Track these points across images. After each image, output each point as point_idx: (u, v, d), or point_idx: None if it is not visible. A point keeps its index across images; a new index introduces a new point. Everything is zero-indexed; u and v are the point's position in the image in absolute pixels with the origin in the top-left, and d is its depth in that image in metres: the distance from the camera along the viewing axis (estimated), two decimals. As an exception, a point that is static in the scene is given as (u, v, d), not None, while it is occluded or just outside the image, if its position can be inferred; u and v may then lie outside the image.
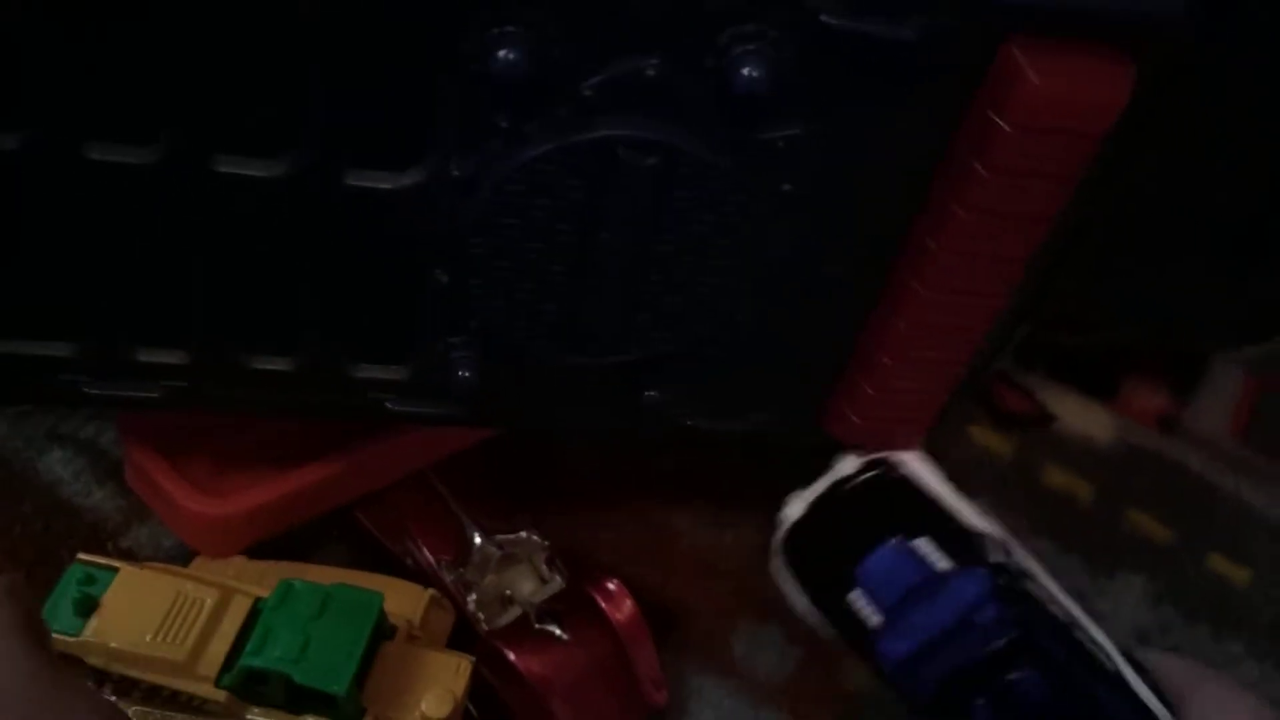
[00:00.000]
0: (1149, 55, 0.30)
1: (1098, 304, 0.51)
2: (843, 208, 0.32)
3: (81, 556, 0.35)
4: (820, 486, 0.39)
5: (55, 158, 0.28)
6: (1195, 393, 0.56)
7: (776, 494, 0.49)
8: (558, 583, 0.42)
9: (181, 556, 0.40)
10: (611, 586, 0.41)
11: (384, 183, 0.30)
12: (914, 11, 0.28)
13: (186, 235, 0.31)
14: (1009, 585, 0.36)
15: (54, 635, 0.32)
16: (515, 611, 0.41)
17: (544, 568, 0.43)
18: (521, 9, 0.27)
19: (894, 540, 0.37)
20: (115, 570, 0.35)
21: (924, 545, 0.37)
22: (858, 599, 0.37)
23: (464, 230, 0.30)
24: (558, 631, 0.40)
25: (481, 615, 0.41)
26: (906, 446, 0.39)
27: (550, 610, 0.41)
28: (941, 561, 0.36)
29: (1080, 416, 0.55)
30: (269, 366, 0.34)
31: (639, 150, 0.29)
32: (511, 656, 0.39)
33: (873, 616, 0.36)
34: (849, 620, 0.37)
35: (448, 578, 0.41)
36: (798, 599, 0.39)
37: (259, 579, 0.37)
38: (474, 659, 0.37)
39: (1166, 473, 0.53)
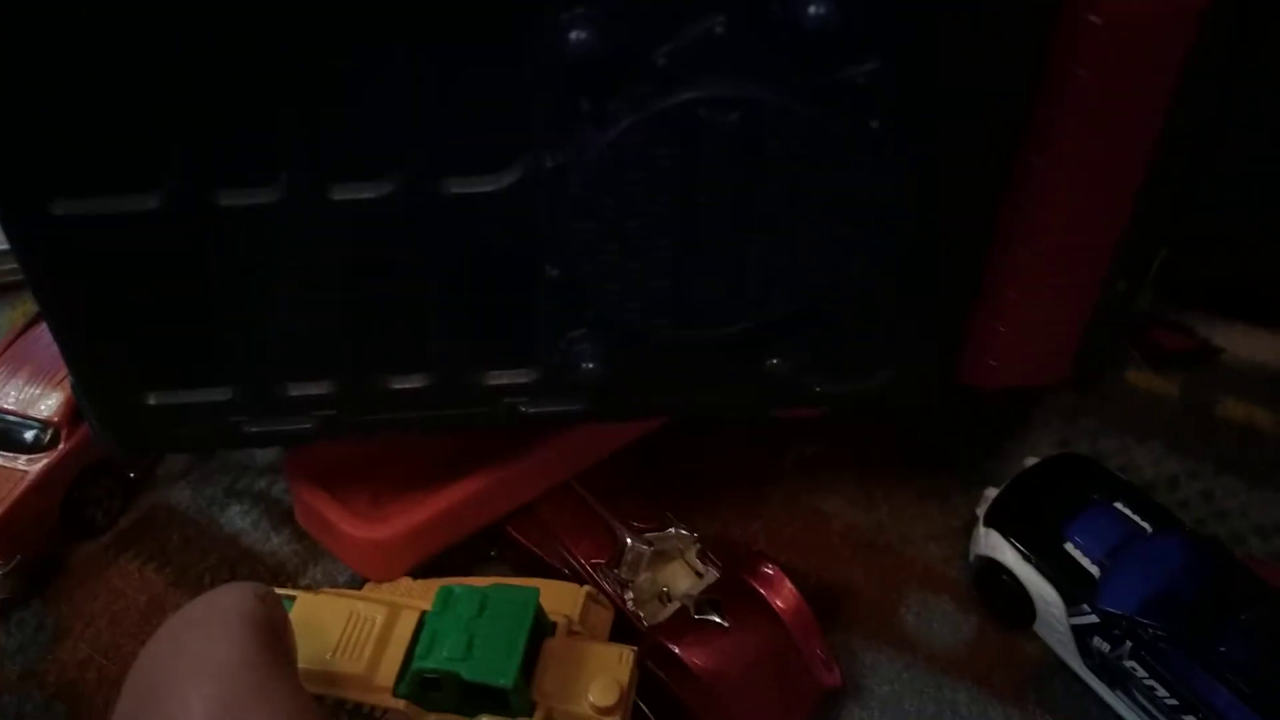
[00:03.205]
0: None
1: (1247, 219, 0.48)
2: (938, 139, 0.31)
3: (261, 590, 0.38)
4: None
5: (190, 211, 0.31)
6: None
7: (924, 468, 0.48)
8: (713, 574, 0.42)
9: (355, 589, 0.42)
10: (769, 571, 0.41)
11: (485, 186, 0.31)
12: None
13: (313, 268, 0.33)
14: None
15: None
16: (674, 607, 0.41)
17: (697, 561, 0.43)
18: None
19: (1098, 500, 0.42)
20: (293, 598, 0.38)
21: (1123, 507, 0.42)
22: (1073, 550, 0.41)
23: (566, 219, 0.31)
24: (719, 620, 0.40)
25: (641, 613, 0.41)
26: (1055, 379, 0.37)
27: (710, 600, 0.41)
28: (1142, 522, 0.41)
29: (1248, 344, 0.52)
30: (407, 385, 0.36)
31: (720, 109, 0.29)
32: (675, 650, 0.39)
33: (1091, 566, 0.40)
34: (1068, 565, 0.41)
35: (603, 580, 0.42)
36: (1006, 554, 0.42)
37: (424, 595, 0.39)
38: (636, 648, 0.37)
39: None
